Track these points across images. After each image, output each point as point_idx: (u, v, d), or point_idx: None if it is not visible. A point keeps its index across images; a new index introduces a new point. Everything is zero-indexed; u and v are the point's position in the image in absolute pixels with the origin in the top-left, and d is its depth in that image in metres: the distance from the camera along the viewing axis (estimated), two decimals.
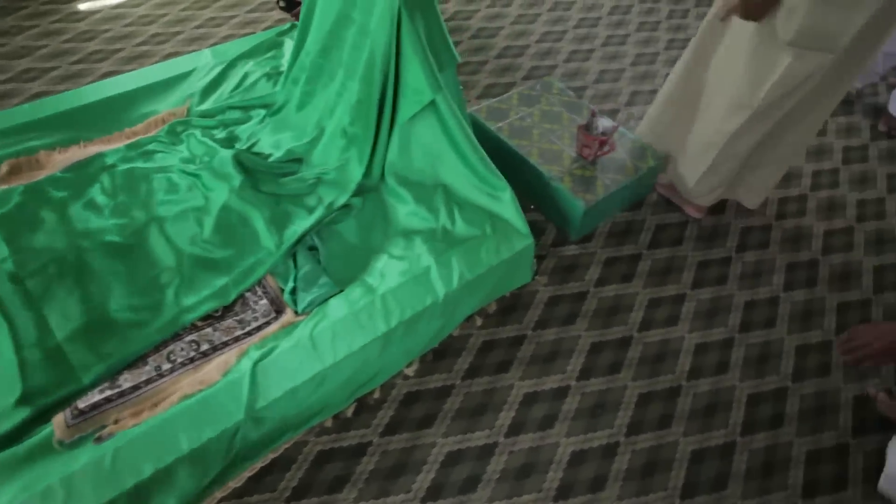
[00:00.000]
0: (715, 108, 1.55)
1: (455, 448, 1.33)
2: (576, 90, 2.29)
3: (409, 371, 1.45)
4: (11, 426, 1.23)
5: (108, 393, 1.31)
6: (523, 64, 2.41)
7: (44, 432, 1.24)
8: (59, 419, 1.25)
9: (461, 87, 2.16)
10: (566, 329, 1.56)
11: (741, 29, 1.40)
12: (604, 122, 1.71)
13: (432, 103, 1.55)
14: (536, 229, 1.79)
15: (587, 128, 1.72)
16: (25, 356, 1.33)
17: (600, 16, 2.73)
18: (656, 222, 1.84)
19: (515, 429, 1.37)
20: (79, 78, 2.24)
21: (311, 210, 1.63)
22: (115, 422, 1.27)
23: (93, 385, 1.32)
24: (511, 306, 1.60)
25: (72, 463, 1.17)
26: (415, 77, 1.50)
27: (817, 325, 1.62)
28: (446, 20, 2.63)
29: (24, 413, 1.25)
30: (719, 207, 1.89)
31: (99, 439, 1.22)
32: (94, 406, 1.29)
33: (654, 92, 2.30)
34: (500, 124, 1.87)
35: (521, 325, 1.56)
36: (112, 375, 1.34)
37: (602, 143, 1.70)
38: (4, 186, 1.75)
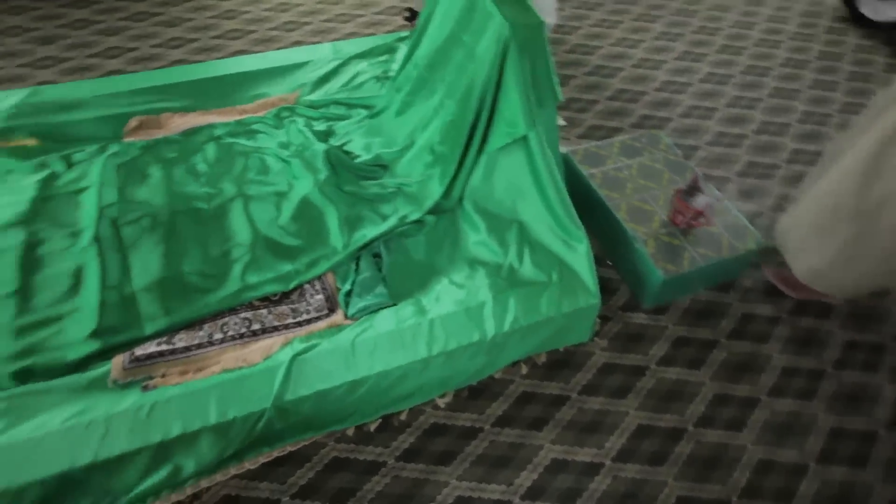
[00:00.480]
0: None
1: (466, 495, 1.28)
2: (686, 149, 2.15)
3: (441, 402, 1.42)
4: (80, 355, 1.35)
5: (163, 347, 1.39)
6: (636, 111, 2.30)
7: (103, 369, 1.34)
8: (117, 360, 1.35)
9: (560, 125, 2.10)
10: (614, 402, 1.46)
11: None
12: (706, 193, 1.59)
13: (524, 138, 1.51)
14: (608, 287, 1.70)
15: (685, 193, 1.61)
16: (106, 297, 1.45)
17: (732, 74, 2.56)
18: (743, 310, 1.68)
19: (534, 493, 1.29)
20: (213, 51, 2.42)
21: (384, 218, 1.65)
22: (163, 376, 1.35)
23: (152, 336, 1.41)
24: (562, 362, 1.52)
25: (117, 404, 1.25)
26: (511, 109, 1.47)
27: None
28: (567, 52, 2.58)
29: (93, 346, 1.36)
30: (824, 311, 1.69)
31: (146, 388, 1.30)
32: (149, 356, 1.37)
33: (773, 167, 2.12)
34: (593, 170, 1.80)
35: (566, 385, 1.48)
36: (170, 332, 1.43)
37: (698, 214, 1.58)
38: (130, 139, 1.93)
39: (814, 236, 1.48)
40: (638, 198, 1.73)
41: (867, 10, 2.80)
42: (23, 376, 1.31)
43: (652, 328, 1.62)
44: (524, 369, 1.49)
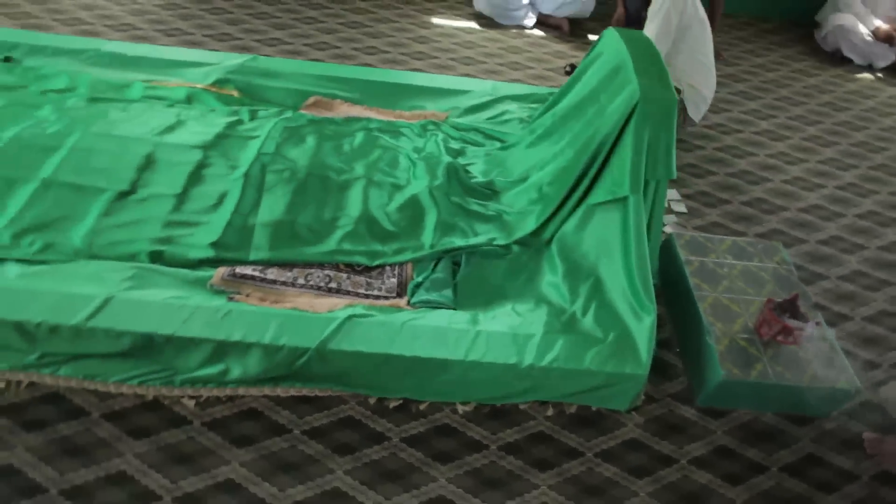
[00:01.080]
0: None
1: (450, 498, 1.32)
2: (810, 274, 2.00)
3: (462, 409, 1.48)
4: (198, 257, 1.65)
5: (257, 273, 1.64)
6: (769, 222, 2.20)
7: (208, 273, 1.62)
8: (220, 271, 1.62)
9: (680, 212, 2.10)
10: (628, 478, 1.40)
11: None
12: (804, 315, 1.48)
13: (625, 200, 1.56)
14: (667, 374, 1.64)
15: (778, 306, 1.52)
16: (233, 219, 1.76)
17: None
18: (813, 451, 1.51)
19: None
20: (396, 64, 2.80)
21: (475, 234, 1.78)
22: (247, 295, 1.59)
23: (253, 262, 1.67)
24: (589, 420, 1.50)
25: (206, 301, 1.51)
26: (620, 169, 1.54)
27: None
28: (717, 149, 2.55)
29: (209, 253, 1.66)
30: None
31: (231, 299, 1.55)
32: (244, 276, 1.63)
33: None
34: (692, 258, 1.77)
35: (585, 442, 1.45)
36: (267, 264, 1.68)
37: (784, 330, 1.48)
38: (304, 112, 2.31)
39: None
40: (728, 297, 1.66)
41: None
42: (154, 256, 1.63)
43: (698, 427, 1.52)
44: (550, 411, 1.50)
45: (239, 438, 1.36)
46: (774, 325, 1.50)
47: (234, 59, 2.42)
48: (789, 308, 1.53)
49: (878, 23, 3.34)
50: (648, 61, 1.57)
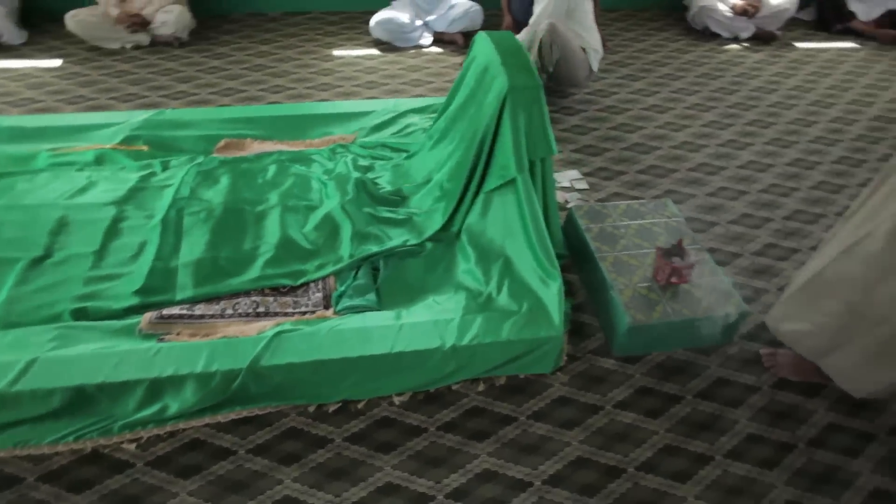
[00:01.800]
0: None
1: (396, 482, 1.39)
2: (704, 224, 2.20)
3: (398, 400, 1.56)
4: (123, 306, 1.68)
5: (184, 312, 1.69)
6: (662, 185, 2.41)
7: (135, 320, 1.65)
8: (147, 315, 1.66)
9: (582, 189, 2.27)
10: (560, 431, 1.51)
11: None
12: (688, 254, 1.65)
13: (515, 182, 1.70)
14: (585, 333, 1.77)
15: (666, 252, 1.68)
16: (155, 265, 1.80)
17: (775, 164, 2.58)
18: (720, 374, 1.67)
19: (458, 495, 1.37)
20: (303, 98, 2.90)
21: (389, 239, 1.88)
22: (177, 334, 1.63)
23: (179, 303, 1.72)
24: (518, 387, 1.61)
25: (134, 345, 1.54)
26: (504, 154, 1.68)
27: None
28: (610, 128, 2.77)
29: (134, 301, 1.69)
30: (812, 390, 1.63)
31: (161, 340, 1.59)
32: (171, 317, 1.67)
33: (795, 251, 2.09)
34: (592, 225, 1.92)
35: (517, 408, 1.56)
36: (194, 301, 1.72)
37: (673, 271, 1.64)
38: (216, 155, 2.38)
39: (806, 316, 1.49)
40: (627, 253, 1.82)
41: None
42: (78, 314, 1.66)
43: (618, 374, 1.65)
44: (481, 386, 1.59)
45: (184, 470, 1.40)
46: (665, 269, 1.66)
47: (140, 115, 2.47)
48: (677, 252, 1.69)
49: (734, 0, 3.71)
50: (514, 56, 1.74)
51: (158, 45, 3.34)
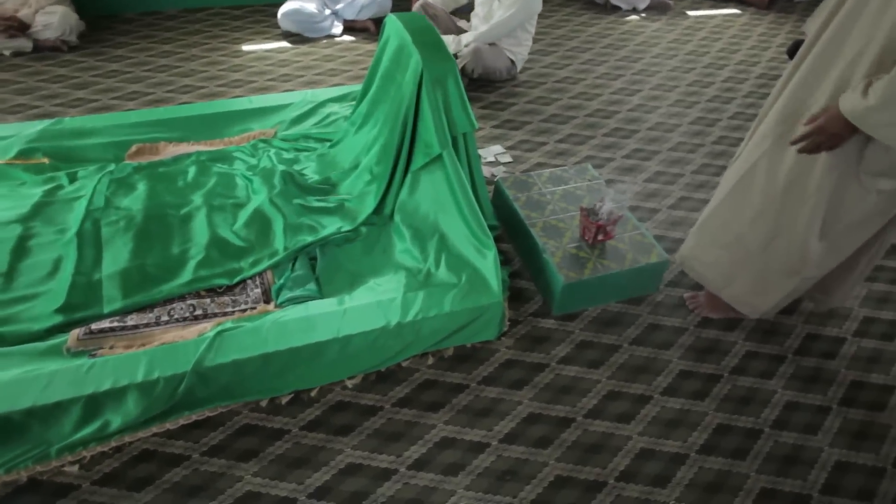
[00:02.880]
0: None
1: (357, 462, 1.40)
2: (624, 184, 2.34)
3: (350, 383, 1.57)
4: (45, 327, 1.58)
5: (116, 325, 1.61)
6: (581, 152, 2.53)
7: (61, 339, 1.55)
8: (74, 332, 1.57)
9: (507, 161, 2.34)
10: (510, 392, 1.58)
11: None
12: (607, 210, 1.76)
13: (441, 158, 1.73)
14: (523, 297, 1.85)
15: (590, 212, 1.78)
16: (76, 279, 1.70)
17: (680, 123, 2.77)
18: (651, 321, 1.80)
19: (420, 464, 1.41)
20: (216, 97, 2.79)
21: (322, 227, 1.87)
22: (111, 347, 1.56)
23: (108, 315, 1.63)
24: (466, 356, 1.66)
25: (63, 364, 1.45)
26: (427, 132, 1.71)
27: (800, 476, 1.43)
28: (527, 102, 2.86)
29: (56, 319, 1.59)
30: (730, 325, 1.79)
31: (93, 356, 1.51)
32: (102, 331, 1.59)
33: (705, 201, 2.27)
34: (519, 195, 2.00)
35: (468, 376, 1.61)
36: (124, 313, 1.65)
37: (599, 228, 1.75)
38: (129, 161, 2.26)
39: (708, 255, 1.64)
40: (554, 218, 1.91)
41: None
42: None
43: (558, 332, 1.75)
44: (430, 360, 1.63)
45: (136, 483, 1.35)
46: (590, 227, 1.76)
47: (35, 126, 2.29)
48: (596, 209, 1.79)
49: None
50: (425, 35, 1.76)
51: (44, 50, 3.09)
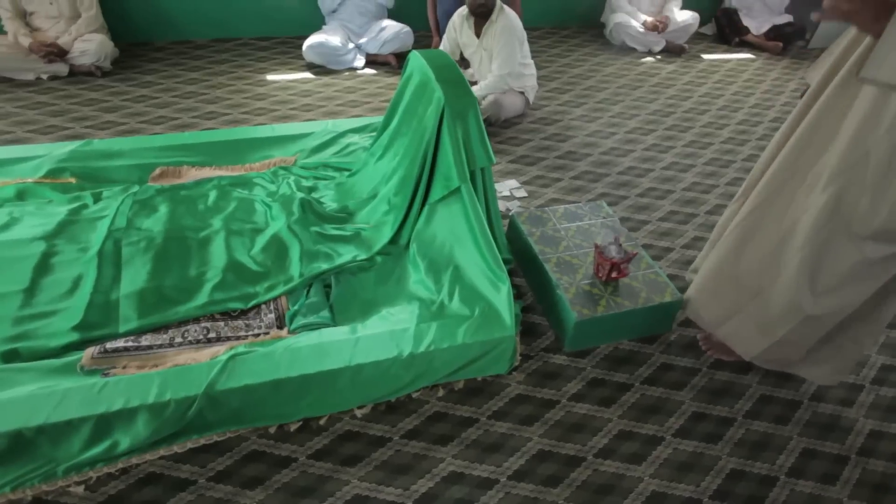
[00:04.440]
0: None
1: (364, 494, 1.39)
2: (636, 223, 2.35)
3: (359, 413, 1.56)
4: (61, 344, 1.60)
5: (130, 344, 1.63)
6: (596, 189, 2.55)
7: (75, 357, 1.57)
8: (89, 351, 1.59)
9: (521, 196, 2.36)
10: (520, 428, 1.56)
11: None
12: (621, 248, 1.76)
13: (459, 191, 1.76)
14: (535, 332, 1.84)
15: (604, 250, 1.79)
16: (94, 298, 1.72)
17: (695, 164, 2.79)
18: (664, 360, 1.78)
19: (427, 499, 1.38)
20: (239, 124, 2.87)
21: (338, 255, 1.89)
22: (124, 367, 1.57)
23: (123, 335, 1.65)
24: (477, 389, 1.65)
25: (76, 382, 1.47)
26: (446, 165, 1.74)
27: None
28: (542, 139, 2.91)
29: (73, 337, 1.61)
30: (744, 368, 1.77)
31: (105, 375, 1.52)
32: (116, 350, 1.61)
33: None
34: (534, 230, 2.01)
35: (477, 410, 1.60)
36: (139, 333, 1.66)
37: (613, 266, 1.75)
38: (152, 184, 2.31)
39: (706, 297, 1.65)
40: (568, 254, 1.92)
41: None
42: (9, 356, 1.56)
43: (570, 368, 1.73)
44: (441, 392, 1.62)
45: None
46: (605, 264, 1.77)
47: (65, 147, 2.36)
48: (610, 247, 1.80)
49: (644, 17, 4.02)
50: (447, 71, 1.81)
51: (78, 74, 3.22)
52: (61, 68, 3.18)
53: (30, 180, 2.21)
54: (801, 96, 1.40)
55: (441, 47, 3.10)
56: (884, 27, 1.04)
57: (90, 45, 3.15)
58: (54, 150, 2.34)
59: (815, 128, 1.31)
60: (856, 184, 1.23)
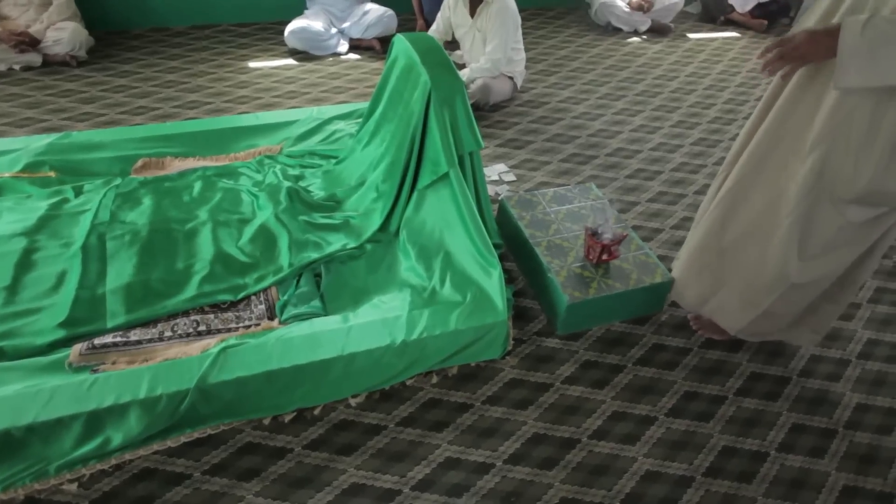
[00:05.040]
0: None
1: (361, 482, 1.39)
2: (626, 204, 2.35)
3: (353, 401, 1.56)
4: (47, 341, 1.57)
5: (118, 339, 1.60)
6: (585, 172, 2.54)
7: (63, 354, 1.55)
8: (77, 347, 1.56)
9: (510, 181, 2.35)
10: (515, 412, 1.57)
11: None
12: (611, 230, 1.76)
13: (447, 176, 1.74)
14: (528, 316, 1.84)
15: (594, 233, 1.79)
16: (80, 294, 1.69)
17: (682, 144, 2.79)
18: (655, 341, 1.79)
19: (424, 485, 1.39)
20: (222, 113, 2.82)
21: (328, 244, 1.87)
22: (113, 363, 1.55)
23: (111, 330, 1.63)
24: (471, 375, 1.65)
25: (65, 380, 1.44)
26: (434, 150, 1.72)
27: (807, 500, 1.42)
28: (530, 122, 2.89)
29: (59, 334, 1.58)
30: (735, 345, 1.79)
31: (95, 371, 1.50)
32: (105, 346, 1.58)
33: None
34: (524, 214, 2.00)
35: (472, 395, 1.60)
36: (128, 328, 1.64)
37: (604, 249, 1.75)
38: (135, 176, 2.27)
39: (690, 275, 1.67)
40: (559, 237, 1.92)
41: None
42: None
43: (563, 352, 1.74)
44: (434, 379, 1.63)
45: (136, 502, 1.33)
46: (596, 247, 1.77)
47: (42, 140, 2.30)
48: (601, 230, 1.80)
49: None
50: (433, 55, 1.79)
51: (53, 64, 3.13)
52: (34, 58, 3.09)
53: (7, 175, 2.15)
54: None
55: (433, 27, 3.05)
56: (834, 49, 1.11)
57: (63, 34, 3.06)
58: (31, 144, 2.28)
59: (797, 96, 1.31)
60: (839, 147, 1.24)
